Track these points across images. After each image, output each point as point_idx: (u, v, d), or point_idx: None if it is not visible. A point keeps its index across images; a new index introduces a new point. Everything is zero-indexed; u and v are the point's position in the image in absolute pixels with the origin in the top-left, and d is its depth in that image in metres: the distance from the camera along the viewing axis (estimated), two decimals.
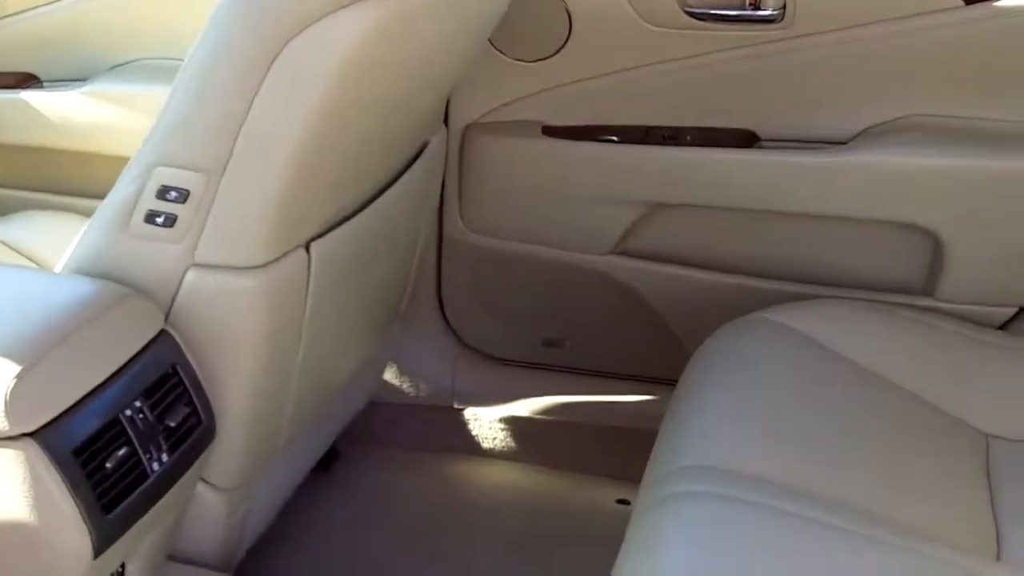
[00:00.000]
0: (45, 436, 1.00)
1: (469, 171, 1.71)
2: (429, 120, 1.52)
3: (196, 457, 1.16)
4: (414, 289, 1.73)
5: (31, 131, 1.85)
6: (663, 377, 1.74)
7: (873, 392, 1.36)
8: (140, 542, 1.16)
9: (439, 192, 1.71)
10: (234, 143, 1.10)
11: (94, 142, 1.81)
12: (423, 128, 1.50)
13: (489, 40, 1.60)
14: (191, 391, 1.14)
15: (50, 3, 1.87)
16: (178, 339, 1.15)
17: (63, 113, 1.81)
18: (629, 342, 1.79)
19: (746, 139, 1.61)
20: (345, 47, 1.07)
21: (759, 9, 1.52)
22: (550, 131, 1.67)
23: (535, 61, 1.63)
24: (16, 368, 0.99)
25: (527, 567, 1.66)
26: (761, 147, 1.61)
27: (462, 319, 1.86)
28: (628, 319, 1.76)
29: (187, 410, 1.13)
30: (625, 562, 1.06)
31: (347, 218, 1.32)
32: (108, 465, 1.04)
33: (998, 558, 1.14)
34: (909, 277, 1.63)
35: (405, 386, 1.88)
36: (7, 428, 0.98)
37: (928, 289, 1.61)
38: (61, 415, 1.02)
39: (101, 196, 1.21)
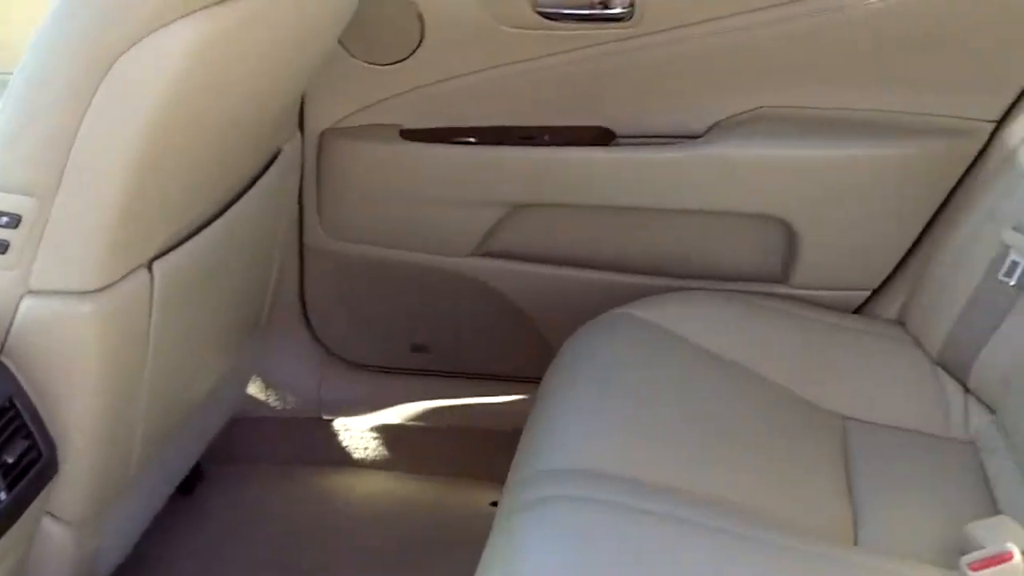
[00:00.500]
0: None
1: (327, 177, 1.68)
2: (280, 127, 1.49)
3: (38, 492, 1.11)
4: (275, 299, 1.69)
5: None
6: (533, 376, 1.72)
7: (733, 382, 1.38)
8: None
9: (296, 200, 1.68)
10: (65, 163, 1.06)
11: None
12: (274, 136, 1.47)
13: (341, 44, 1.57)
14: (30, 424, 1.09)
15: None
16: (14, 370, 1.10)
17: None
18: (497, 343, 1.78)
19: (603, 137, 1.62)
20: (176, 61, 1.03)
21: (608, 8, 1.53)
22: (408, 134, 1.65)
23: (389, 64, 1.61)
24: None
25: None
26: (618, 144, 1.61)
27: (327, 327, 1.83)
28: (494, 320, 1.75)
29: (26, 444, 1.08)
30: (485, 570, 1.06)
31: (195, 232, 1.28)
32: None
33: (855, 542, 1.17)
34: (766, 266, 1.66)
35: (270, 399, 1.85)
36: None
37: (784, 277, 1.64)
38: None
39: None
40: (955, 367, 1.45)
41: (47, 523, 1.21)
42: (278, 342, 1.81)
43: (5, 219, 1.08)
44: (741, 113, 1.58)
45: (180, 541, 1.69)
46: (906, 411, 1.41)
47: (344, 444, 1.85)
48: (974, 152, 1.54)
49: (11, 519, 1.07)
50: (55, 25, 1.04)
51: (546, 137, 1.62)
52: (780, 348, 1.47)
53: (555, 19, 1.54)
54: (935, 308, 1.49)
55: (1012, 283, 1.37)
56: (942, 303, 1.47)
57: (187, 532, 1.70)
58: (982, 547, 1.11)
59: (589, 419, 1.25)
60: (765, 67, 1.55)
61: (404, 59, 1.60)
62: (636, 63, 1.56)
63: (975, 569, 1.07)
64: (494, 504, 1.76)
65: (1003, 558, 1.07)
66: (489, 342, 1.79)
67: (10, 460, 1.06)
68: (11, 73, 1.09)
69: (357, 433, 1.84)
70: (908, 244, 1.60)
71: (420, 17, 1.56)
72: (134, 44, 1.02)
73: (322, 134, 1.66)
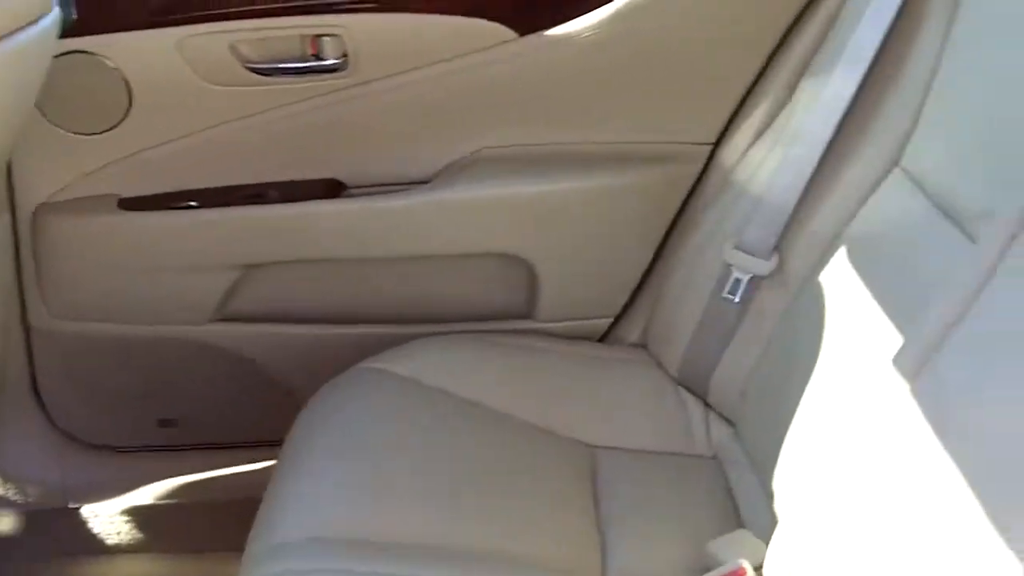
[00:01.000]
0: None
1: (46, 255, 1.59)
2: None
3: None
4: (5, 387, 1.59)
5: None
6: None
7: (479, 426, 1.37)
8: None
9: (15, 281, 1.58)
10: None
11: None
12: None
13: (44, 116, 1.50)
14: None
15: None
16: None
17: None
18: (246, 409, 1.73)
19: (332, 188, 1.59)
20: None
21: (321, 59, 1.51)
22: (127, 203, 1.58)
23: (99, 133, 1.54)
24: None
25: None
26: (349, 195, 1.59)
27: (65, 411, 1.73)
28: (242, 386, 1.70)
29: None
30: None
31: None
32: None
33: (603, 573, 1.17)
34: (512, 303, 1.66)
35: (10, 492, 1.73)
36: None
37: (530, 312, 1.65)
38: None
39: None
40: (694, 384, 1.49)
41: None
42: (11, 432, 1.70)
43: None
44: (466, 155, 1.58)
45: None
46: (651, 433, 1.43)
47: (95, 531, 1.75)
48: (695, 174, 1.59)
49: None
50: None
51: (273, 193, 1.58)
52: (527, 385, 1.47)
53: (267, 74, 1.51)
54: (671, 329, 1.53)
55: (736, 300, 1.42)
56: (677, 324, 1.51)
57: None
58: (722, 563, 1.14)
59: (321, 483, 1.22)
60: (484, 108, 1.56)
61: (114, 126, 1.53)
62: (356, 113, 1.55)
63: None
64: None
65: (736, 575, 1.09)
66: (238, 409, 1.73)
67: None
68: None
69: (107, 518, 1.74)
70: (643, 269, 1.64)
71: (126, 82, 1.49)
72: None
73: (36, 210, 1.57)
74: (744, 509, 1.30)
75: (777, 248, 1.38)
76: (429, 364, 1.45)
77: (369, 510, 1.17)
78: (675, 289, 1.54)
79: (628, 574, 1.18)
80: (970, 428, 0.79)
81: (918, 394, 0.87)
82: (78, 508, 1.75)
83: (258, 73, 1.51)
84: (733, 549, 1.15)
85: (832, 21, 1.43)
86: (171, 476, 1.76)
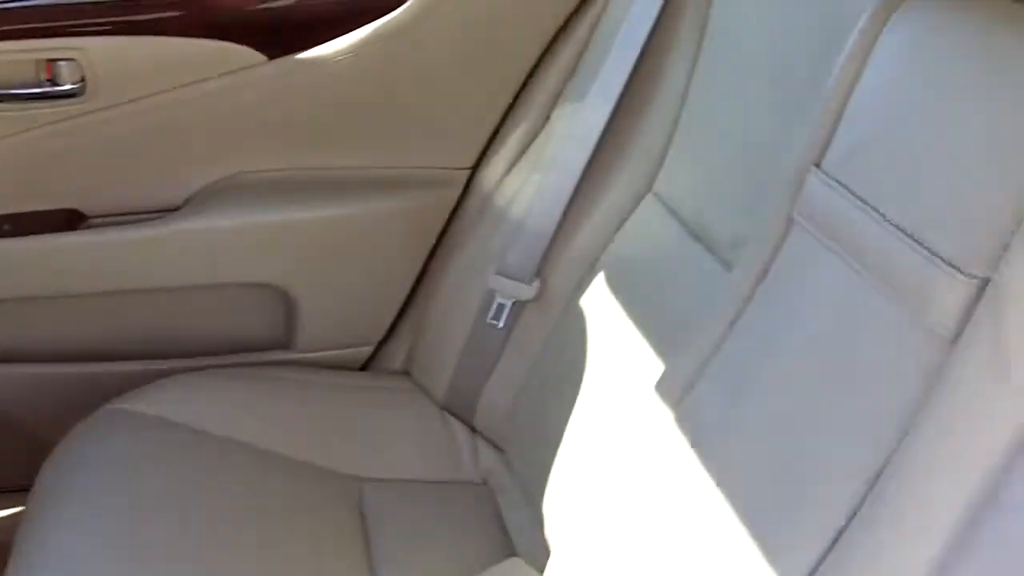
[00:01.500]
0: None
1: None
2: None
3: None
4: None
5: None
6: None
7: (235, 464, 1.31)
8: None
9: None
10: None
11: None
12: None
13: None
14: None
15: None
16: None
17: None
18: None
19: (71, 220, 1.49)
20: None
21: (57, 84, 1.41)
22: None
23: None
24: None
25: None
26: (89, 226, 1.50)
27: None
28: None
29: None
30: None
31: None
32: None
33: None
34: (271, 334, 1.61)
35: None
36: None
37: (289, 343, 1.60)
38: None
39: None
40: (461, 410, 1.48)
41: None
42: None
43: None
44: (218, 181, 1.52)
45: None
46: (419, 462, 1.41)
47: None
48: (455, 200, 1.59)
49: None
50: None
51: (7, 227, 1.47)
52: (286, 418, 1.42)
53: None
54: (435, 355, 1.52)
55: (500, 325, 1.42)
56: (441, 350, 1.50)
57: None
58: None
59: (75, 535, 1.14)
60: (236, 132, 1.50)
61: None
62: (96, 139, 1.45)
63: None
64: None
65: None
66: None
67: None
68: None
69: None
70: (404, 296, 1.62)
71: None
72: None
73: None
74: (515, 536, 1.29)
75: (539, 273, 1.39)
76: (177, 402, 1.38)
77: (126, 565, 1.10)
78: (439, 315, 1.53)
79: None
80: (730, 458, 0.81)
81: (680, 422, 0.89)
82: None
83: None
84: None
85: (584, 50, 1.46)
86: None
